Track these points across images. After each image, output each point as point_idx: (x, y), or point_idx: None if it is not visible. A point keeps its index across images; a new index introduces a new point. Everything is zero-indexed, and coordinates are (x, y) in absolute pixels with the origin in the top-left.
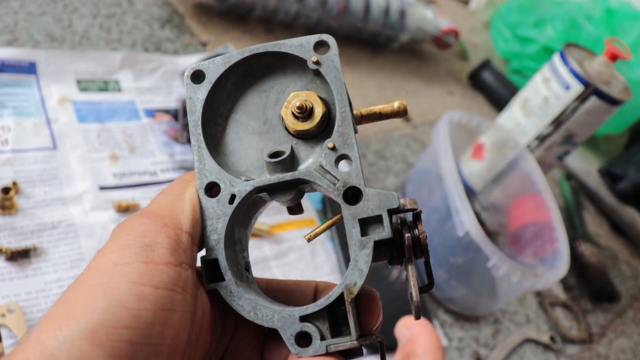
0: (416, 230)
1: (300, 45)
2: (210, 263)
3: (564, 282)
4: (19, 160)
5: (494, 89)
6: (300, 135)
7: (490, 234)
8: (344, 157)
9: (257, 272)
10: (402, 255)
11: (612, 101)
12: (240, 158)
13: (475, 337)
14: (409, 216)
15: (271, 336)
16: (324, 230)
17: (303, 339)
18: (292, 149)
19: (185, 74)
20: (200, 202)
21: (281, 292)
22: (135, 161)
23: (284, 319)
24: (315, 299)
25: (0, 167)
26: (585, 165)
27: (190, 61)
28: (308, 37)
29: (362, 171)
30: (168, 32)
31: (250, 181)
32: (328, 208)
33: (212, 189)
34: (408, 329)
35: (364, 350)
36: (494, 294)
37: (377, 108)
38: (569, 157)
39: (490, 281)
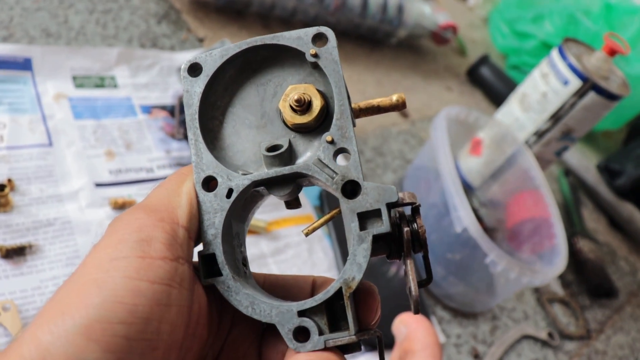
0: (415, 224)
1: (298, 37)
2: (208, 258)
3: (562, 278)
4: (14, 157)
5: (492, 85)
6: (298, 129)
7: (488, 230)
8: (342, 150)
9: (254, 269)
10: (400, 250)
11: (611, 96)
12: (238, 152)
13: (473, 333)
14: (407, 210)
15: (269, 331)
16: (321, 225)
17: (301, 334)
18: (290, 142)
19: (182, 66)
20: (197, 197)
21: (279, 287)
22: (132, 158)
23: (282, 314)
24: (312, 294)
25: None
26: (583, 161)
27: (187, 57)
28: (306, 29)
29: (361, 165)
30: (165, 28)
31: (247, 175)
32: (325, 204)
33: (210, 183)
34: (405, 325)
35: (362, 347)
36: (491, 290)
37: (375, 101)
38: (567, 153)
39: (488, 277)
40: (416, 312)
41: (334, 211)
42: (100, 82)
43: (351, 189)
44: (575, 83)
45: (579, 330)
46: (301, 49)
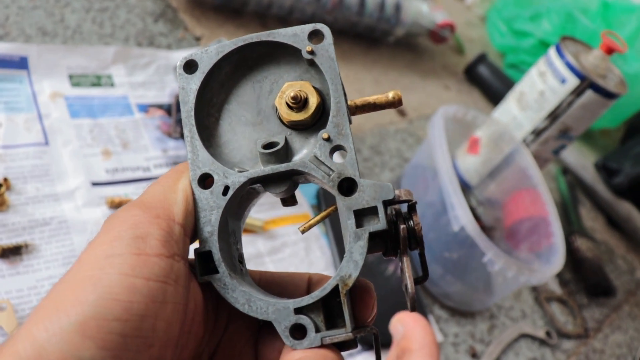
0: (411, 221)
1: (294, 34)
2: (204, 255)
3: (559, 277)
4: (10, 156)
5: (490, 83)
6: (295, 126)
7: (486, 229)
8: (338, 148)
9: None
10: (397, 247)
11: (608, 95)
12: (234, 149)
13: (471, 332)
14: (403, 207)
15: (265, 329)
16: (318, 222)
17: (298, 331)
18: (286, 139)
19: (178, 63)
20: (193, 194)
21: (275, 285)
22: (128, 157)
23: (278, 311)
24: (308, 291)
25: None
26: (581, 159)
27: (183, 56)
28: (302, 26)
29: (357, 162)
30: (161, 27)
31: (244, 172)
32: (322, 203)
33: (206, 181)
34: (402, 324)
35: (360, 346)
36: (489, 289)
37: (371, 98)
38: (564, 152)
39: (486, 276)
40: (412, 309)
41: (330, 208)
42: (97, 81)
43: (347, 186)
44: (573, 81)
45: (577, 329)
46: (297, 46)
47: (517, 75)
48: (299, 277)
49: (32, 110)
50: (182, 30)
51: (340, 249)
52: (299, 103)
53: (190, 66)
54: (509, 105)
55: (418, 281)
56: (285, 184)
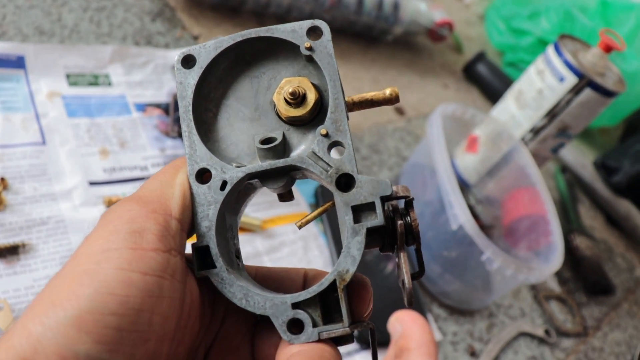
0: (408, 217)
1: (293, 30)
2: (202, 250)
3: (558, 275)
4: (8, 155)
5: (489, 82)
6: (292, 122)
7: (485, 228)
8: (336, 144)
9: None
10: (394, 243)
11: (607, 93)
12: (232, 144)
13: (470, 331)
14: (401, 204)
15: (262, 324)
16: (315, 217)
17: (295, 326)
18: (283, 135)
19: (176, 58)
20: (190, 189)
21: (271, 280)
22: (126, 156)
23: (276, 306)
24: (304, 286)
25: None
26: (580, 157)
27: (181, 51)
28: (301, 22)
29: (355, 158)
30: (159, 26)
31: (241, 167)
32: (321, 201)
33: (203, 176)
34: (401, 323)
35: (359, 345)
36: (488, 287)
37: (368, 95)
38: (563, 150)
39: (485, 275)
40: (409, 304)
41: (328, 204)
42: (94, 80)
43: (345, 182)
44: (571, 80)
45: (576, 327)
46: (296, 42)
47: (516, 74)
48: (294, 273)
49: (29, 109)
50: (180, 29)
51: (338, 248)
52: (297, 99)
53: (188, 61)
54: (508, 104)
55: (415, 276)
56: (282, 179)
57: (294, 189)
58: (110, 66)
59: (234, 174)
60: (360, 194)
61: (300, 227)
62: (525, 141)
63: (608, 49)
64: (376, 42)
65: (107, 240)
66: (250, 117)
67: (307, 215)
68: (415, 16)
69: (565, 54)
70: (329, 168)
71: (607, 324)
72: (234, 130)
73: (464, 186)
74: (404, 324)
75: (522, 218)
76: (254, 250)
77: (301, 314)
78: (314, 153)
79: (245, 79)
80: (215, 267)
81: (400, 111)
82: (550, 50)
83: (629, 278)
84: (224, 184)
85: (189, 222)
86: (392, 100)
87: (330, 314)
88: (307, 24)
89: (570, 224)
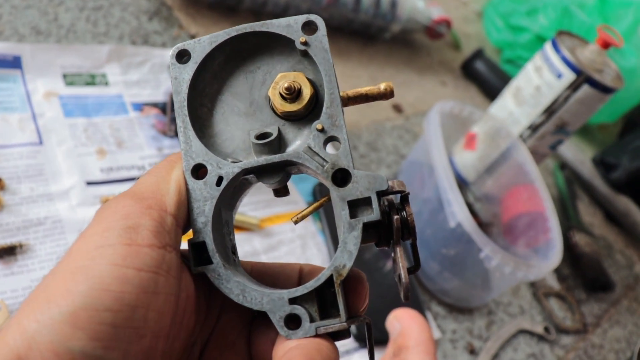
0: (404, 212)
1: (288, 25)
2: (198, 246)
3: (558, 272)
4: (4, 156)
5: (487, 79)
6: (288, 117)
7: (483, 225)
8: (332, 139)
9: None
10: (390, 237)
11: (605, 89)
12: (227, 139)
13: (469, 328)
14: (396, 198)
15: (258, 319)
16: (311, 212)
17: (292, 322)
18: (279, 130)
19: (171, 53)
20: (186, 184)
21: (266, 275)
22: (123, 156)
23: (273, 302)
24: (300, 282)
25: None
26: (578, 154)
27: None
28: (296, 17)
29: (351, 153)
30: (156, 25)
31: (237, 163)
32: (319, 199)
33: (199, 171)
34: (399, 321)
35: (357, 344)
36: (487, 285)
37: (363, 90)
38: (562, 147)
39: (483, 272)
40: (406, 298)
41: (324, 199)
42: (91, 80)
43: (341, 177)
44: (569, 76)
45: (575, 325)
46: (291, 37)
47: (514, 71)
48: (290, 268)
49: (25, 109)
50: (177, 28)
51: (336, 245)
52: (292, 94)
53: (182, 56)
54: (506, 101)
55: (410, 271)
56: (278, 174)
57: (292, 187)
58: (107, 66)
59: (229, 170)
60: (356, 189)
61: (296, 223)
62: (524, 138)
63: (606, 45)
64: (374, 40)
65: (102, 237)
66: (246, 112)
67: (302, 211)
68: (413, 14)
69: (563, 51)
70: (325, 163)
71: (607, 321)
72: (229, 126)
73: (463, 184)
74: (402, 322)
75: (521, 215)
76: (252, 249)
77: (298, 309)
78: (310, 148)
79: (240, 74)
80: (211, 263)
81: (398, 109)
82: (548, 46)
83: (628, 275)
84: (219, 180)
85: (185, 218)
86: (387, 94)
87: (327, 309)
88: (302, 18)
89: (569, 220)
